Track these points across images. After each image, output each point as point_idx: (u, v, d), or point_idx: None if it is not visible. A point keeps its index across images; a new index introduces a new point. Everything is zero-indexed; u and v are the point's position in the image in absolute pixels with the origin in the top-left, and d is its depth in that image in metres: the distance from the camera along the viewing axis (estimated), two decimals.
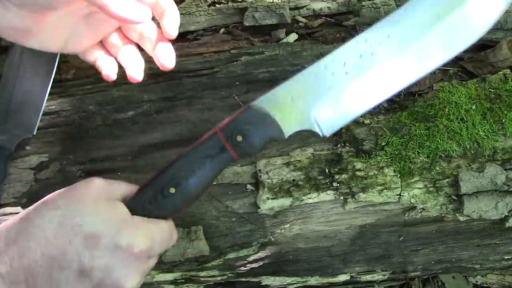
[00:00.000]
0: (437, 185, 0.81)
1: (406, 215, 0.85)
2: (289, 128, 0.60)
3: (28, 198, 0.82)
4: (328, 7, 1.00)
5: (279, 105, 0.58)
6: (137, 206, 0.58)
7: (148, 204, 0.58)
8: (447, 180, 0.81)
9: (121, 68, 0.67)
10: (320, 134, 0.60)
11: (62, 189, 0.56)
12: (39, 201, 0.56)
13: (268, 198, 0.80)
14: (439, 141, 0.81)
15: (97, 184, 0.57)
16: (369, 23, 0.97)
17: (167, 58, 0.62)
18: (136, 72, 0.64)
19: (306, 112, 0.58)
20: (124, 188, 0.60)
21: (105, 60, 0.67)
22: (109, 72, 0.66)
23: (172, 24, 0.61)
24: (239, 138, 0.57)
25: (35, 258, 0.51)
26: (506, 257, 0.92)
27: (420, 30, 0.55)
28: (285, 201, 0.81)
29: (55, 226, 0.51)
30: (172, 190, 0.57)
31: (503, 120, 0.82)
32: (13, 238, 0.51)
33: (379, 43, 0.56)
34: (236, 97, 0.89)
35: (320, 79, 0.58)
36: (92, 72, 0.90)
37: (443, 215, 0.84)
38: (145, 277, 0.57)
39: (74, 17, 0.61)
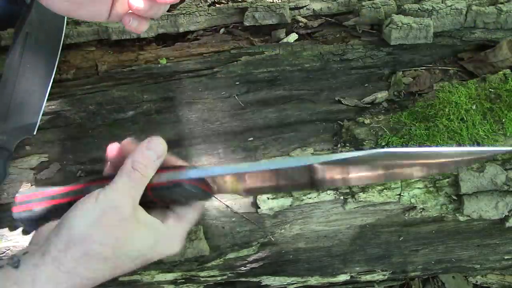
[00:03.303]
0: (437, 185, 0.81)
1: (406, 215, 0.85)
2: None
3: None
4: (328, 7, 1.00)
5: None
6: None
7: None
8: (447, 180, 0.81)
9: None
10: None
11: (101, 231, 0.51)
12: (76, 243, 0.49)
13: (268, 198, 0.80)
14: (439, 141, 0.81)
15: (125, 210, 0.53)
16: (369, 23, 0.97)
17: None
18: None
19: None
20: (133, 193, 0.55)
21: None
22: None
23: None
24: None
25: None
26: (506, 257, 0.92)
27: None
28: (285, 201, 0.81)
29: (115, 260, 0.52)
30: None
31: (503, 120, 0.82)
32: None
33: None
34: (236, 97, 0.89)
35: None
36: (92, 72, 0.90)
37: (443, 215, 0.84)
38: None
39: None
